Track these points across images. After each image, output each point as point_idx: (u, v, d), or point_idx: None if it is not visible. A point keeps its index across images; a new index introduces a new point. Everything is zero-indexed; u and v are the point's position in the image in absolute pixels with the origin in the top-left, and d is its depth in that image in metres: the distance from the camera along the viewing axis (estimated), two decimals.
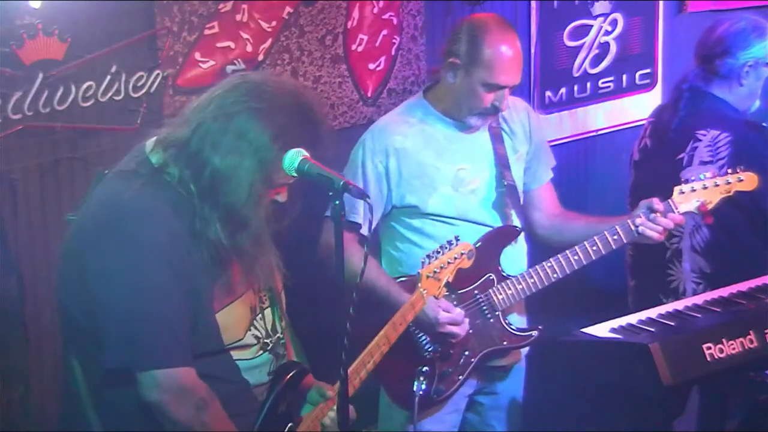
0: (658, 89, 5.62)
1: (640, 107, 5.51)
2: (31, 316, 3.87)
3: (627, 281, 4.85)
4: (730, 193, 4.07)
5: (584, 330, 3.88)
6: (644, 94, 5.60)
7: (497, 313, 3.95)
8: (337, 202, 2.89)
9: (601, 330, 3.87)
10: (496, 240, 3.97)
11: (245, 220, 2.98)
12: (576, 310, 4.77)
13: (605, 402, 5.13)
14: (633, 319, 3.94)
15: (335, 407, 3.20)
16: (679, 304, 4.08)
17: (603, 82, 5.48)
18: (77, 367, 3.08)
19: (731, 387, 4.10)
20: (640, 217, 3.96)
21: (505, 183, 4.00)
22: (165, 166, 3.01)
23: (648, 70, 5.60)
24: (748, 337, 3.75)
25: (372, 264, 3.83)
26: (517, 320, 4.07)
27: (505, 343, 3.99)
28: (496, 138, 4.01)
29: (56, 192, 3.91)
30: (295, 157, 2.96)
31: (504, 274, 3.96)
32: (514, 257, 4.04)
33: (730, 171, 4.11)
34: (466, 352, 3.91)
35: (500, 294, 3.94)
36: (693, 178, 4.06)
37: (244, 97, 2.97)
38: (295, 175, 2.97)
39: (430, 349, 3.86)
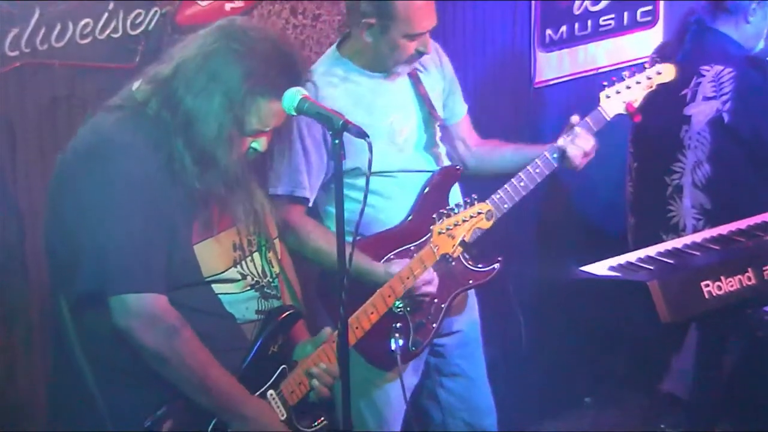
0: (659, 27, 5.57)
1: (641, 45, 5.47)
2: (32, 258, 3.88)
3: (627, 219, 4.86)
4: (653, 88, 4.07)
5: (583, 268, 3.89)
6: (645, 32, 5.56)
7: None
8: (337, 141, 2.89)
9: (600, 268, 3.88)
10: (441, 184, 3.94)
11: (216, 161, 3.03)
12: (575, 248, 4.78)
13: (604, 339, 5.18)
14: (632, 257, 3.95)
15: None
16: (678, 242, 4.09)
17: (604, 20, 5.43)
18: (63, 304, 3.12)
19: (729, 324, 4.13)
20: (563, 138, 3.93)
21: (438, 123, 3.99)
22: (147, 101, 3.08)
23: (649, 7, 5.55)
24: (747, 274, 3.76)
25: (321, 230, 3.81)
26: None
27: (471, 281, 3.98)
28: (415, 80, 3.98)
29: (54, 131, 3.90)
30: (294, 95, 2.98)
31: None
32: None
33: (647, 65, 4.10)
34: (436, 300, 3.90)
35: None
36: (614, 79, 4.05)
37: (224, 38, 3.03)
38: (294, 113, 2.99)
39: (399, 305, 3.82)
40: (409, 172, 3.93)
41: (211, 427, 3.09)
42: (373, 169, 3.77)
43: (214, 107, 3.00)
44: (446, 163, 4.02)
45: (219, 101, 3.00)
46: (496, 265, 3.99)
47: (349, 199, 3.82)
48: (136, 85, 3.15)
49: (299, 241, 3.80)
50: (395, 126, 3.92)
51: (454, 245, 3.51)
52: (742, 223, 4.18)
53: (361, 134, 2.95)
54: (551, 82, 5.32)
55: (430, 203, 3.82)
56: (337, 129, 2.90)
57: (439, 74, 4.08)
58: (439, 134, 4.03)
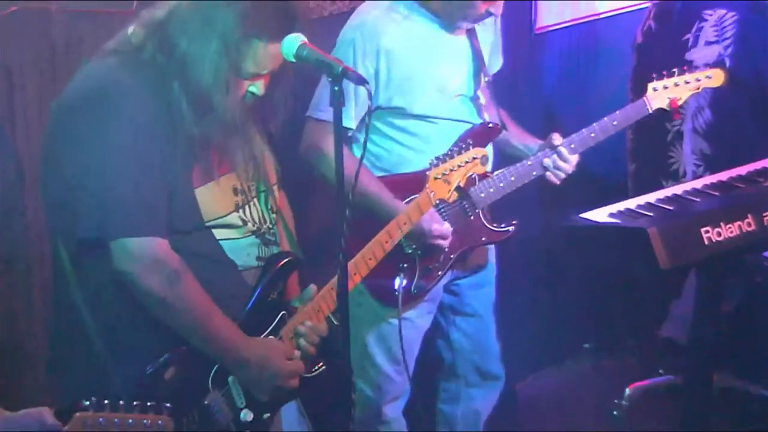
0: None
1: None
2: (31, 203, 3.88)
3: (627, 165, 4.86)
4: (699, 90, 4.10)
5: (583, 215, 3.89)
6: None
7: (477, 210, 3.97)
8: (336, 88, 2.87)
9: (600, 215, 3.88)
10: (477, 138, 3.95)
11: (213, 105, 3.00)
12: (575, 195, 4.78)
13: (603, 285, 5.20)
14: (632, 203, 3.94)
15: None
16: (677, 189, 4.09)
17: None
18: (62, 249, 3.11)
19: (728, 270, 4.13)
20: (548, 158, 3.99)
21: (486, 79, 4.01)
22: (143, 45, 3.04)
23: None
24: (746, 220, 3.75)
25: (350, 161, 3.83)
26: None
27: (483, 239, 4.04)
28: (471, 33, 4.00)
29: (52, 76, 3.89)
30: (293, 42, 2.95)
31: (486, 173, 3.97)
32: None
33: (699, 70, 4.13)
34: (446, 249, 3.94)
35: (481, 192, 3.95)
36: (665, 74, 4.06)
37: None
38: (293, 60, 2.97)
39: (412, 246, 3.87)
40: (451, 120, 3.96)
41: (212, 372, 3.11)
42: (417, 113, 3.87)
43: (210, 51, 2.96)
44: (486, 116, 4.04)
45: (215, 45, 2.96)
46: (511, 228, 4.04)
47: (384, 137, 3.94)
48: (131, 29, 3.11)
49: (330, 168, 3.80)
50: (446, 75, 3.95)
51: (449, 190, 3.51)
52: (742, 169, 4.16)
53: (361, 81, 2.94)
54: (551, 28, 5.29)
55: None
56: (337, 75, 2.88)
57: (492, 29, 4.10)
58: (483, 86, 4.06)
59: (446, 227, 3.88)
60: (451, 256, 3.97)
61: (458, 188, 3.54)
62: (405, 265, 3.88)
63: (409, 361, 4.02)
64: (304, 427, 3.97)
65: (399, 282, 3.85)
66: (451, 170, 3.47)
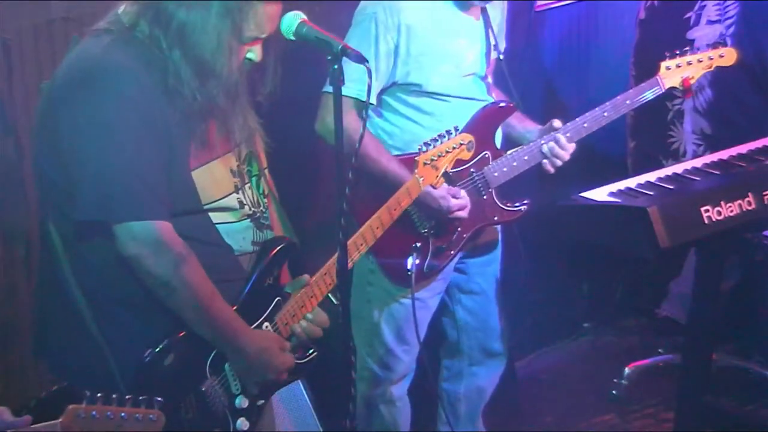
0: None
1: None
2: (30, 177, 3.86)
3: (627, 143, 4.85)
4: (711, 68, 4.09)
5: (583, 194, 3.88)
6: None
7: (490, 189, 3.97)
8: (336, 66, 2.86)
9: (600, 194, 3.88)
10: (491, 117, 3.97)
11: (216, 71, 2.98)
12: (574, 174, 4.78)
13: (603, 264, 5.20)
14: (632, 182, 3.94)
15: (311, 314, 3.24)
16: (678, 168, 4.08)
17: None
18: (53, 231, 3.08)
19: (728, 248, 4.14)
20: (546, 144, 3.97)
21: (500, 57, 4.02)
22: (135, 24, 3.02)
23: None
24: (746, 199, 3.76)
25: (373, 141, 3.86)
26: None
27: (496, 218, 4.04)
28: (484, 12, 4.01)
29: (51, 53, 3.87)
30: (293, 19, 2.94)
31: (499, 152, 3.98)
32: None
33: (711, 49, 4.13)
34: (459, 228, 3.94)
35: (495, 171, 3.96)
36: (677, 52, 4.05)
37: None
38: (293, 38, 2.96)
39: (426, 225, 3.88)
40: (464, 99, 3.96)
41: (210, 359, 3.10)
42: (431, 90, 3.89)
43: (212, 15, 2.95)
44: (494, 96, 4.05)
45: (216, 9, 2.95)
46: (524, 207, 4.05)
47: (398, 114, 3.95)
48: (121, 8, 3.08)
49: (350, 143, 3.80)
50: (461, 52, 3.94)
51: (437, 176, 3.50)
52: (743, 148, 4.16)
53: (360, 59, 2.92)
54: (552, 5, 5.28)
55: (478, 134, 3.75)
56: (336, 54, 2.86)
57: (500, 8, 4.11)
58: (492, 66, 4.06)
59: (463, 195, 3.87)
60: (464, 235, 3.97)
61: (445, 174, 3.52)
62: (418, 245, 3.88)
63: (418, 339, 4.02)
64: (315, 428, 3.97)
65: (412, 261, 3.85)
66: (439, 156, 3.45)
